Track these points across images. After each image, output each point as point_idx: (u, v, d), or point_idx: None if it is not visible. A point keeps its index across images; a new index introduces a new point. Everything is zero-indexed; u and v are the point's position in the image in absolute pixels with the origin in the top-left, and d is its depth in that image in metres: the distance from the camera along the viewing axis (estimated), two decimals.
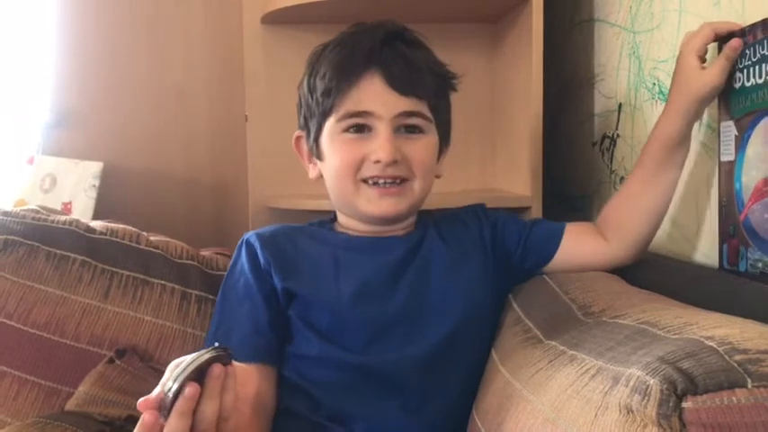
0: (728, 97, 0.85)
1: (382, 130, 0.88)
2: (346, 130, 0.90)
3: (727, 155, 0.85)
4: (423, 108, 0.91)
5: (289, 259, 0.91)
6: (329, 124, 0.91)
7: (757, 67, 0.79)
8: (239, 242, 0.96)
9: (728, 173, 0.84)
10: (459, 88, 0.99)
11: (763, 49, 0.78)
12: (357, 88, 0.89)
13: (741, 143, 0.82)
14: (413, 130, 0.91)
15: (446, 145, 0.99)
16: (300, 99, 0.98)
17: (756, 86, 0.79)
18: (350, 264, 0.91)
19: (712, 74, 0.83)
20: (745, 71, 0.81)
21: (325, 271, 0.90)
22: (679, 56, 0.87)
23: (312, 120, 0.94)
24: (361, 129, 0.90)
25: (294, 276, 0.90)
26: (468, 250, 0.95)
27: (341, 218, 0.98)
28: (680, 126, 0.87)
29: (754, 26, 0.80)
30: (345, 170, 0.90)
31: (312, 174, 0.98)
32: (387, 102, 0.88)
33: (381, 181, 0.89)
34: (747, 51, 0.81)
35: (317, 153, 0.95)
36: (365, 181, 0.90)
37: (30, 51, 1.44)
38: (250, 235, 0.95)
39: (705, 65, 0.85)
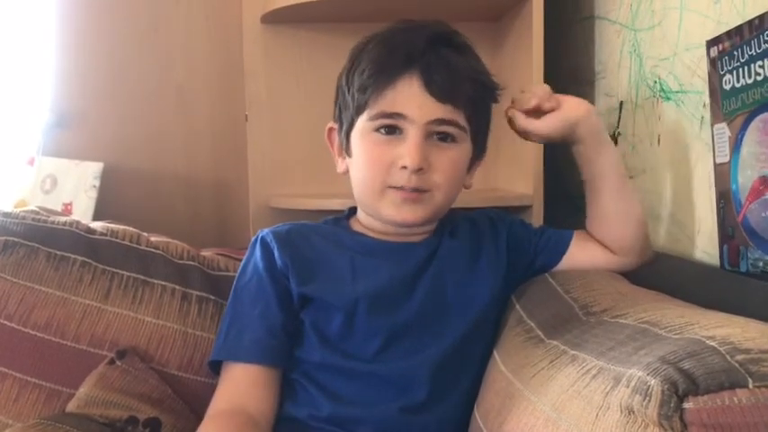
0: (720, 99, 0.85)
1: (413, 135, 0.85)
2: (377, 129, 0.88)
3: (722, 157, 0.84)
4: (459, 117, 0.88)
5: (306, 262, 0.90)
6: (361, 120, 0.89)
7: (746, 68, 0.79)
8: (253, 240, 0.94)
9: (724, 174, 0.84)
10: None
11: (750, 50, 0.78)
12: (393, 89, 0.86)
13: (735, 144, 0.82)
14: (444, 138, 0.88)
15: (480, 156, 0.97)
16: (338, 91, 0.95)
17: (746, 86, 0.79)
18: (367, 269, 0.90)
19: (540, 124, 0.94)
20: (735, 72, 0.81)
21: (341, 275, 0.89)
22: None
23: (345, 113, 0.92)
24: (392, 130, 0.87)
25: (311, 281, 0.89)
26: (482, 252, 0.95)
27: (361, 215, 0.97)
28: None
29: (741, 27, 0.80)
30: (372, 175, 0.88)
31: (340, 168, 0.96)
32: (422, 106, 0.85)
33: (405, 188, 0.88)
34: (735, 52, 0.81)
35: (346, 148, 0.93)
36: (391, 187, 0.88)
37: (30, 51, 1.43)
38: (266, 233, 0.93)
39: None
